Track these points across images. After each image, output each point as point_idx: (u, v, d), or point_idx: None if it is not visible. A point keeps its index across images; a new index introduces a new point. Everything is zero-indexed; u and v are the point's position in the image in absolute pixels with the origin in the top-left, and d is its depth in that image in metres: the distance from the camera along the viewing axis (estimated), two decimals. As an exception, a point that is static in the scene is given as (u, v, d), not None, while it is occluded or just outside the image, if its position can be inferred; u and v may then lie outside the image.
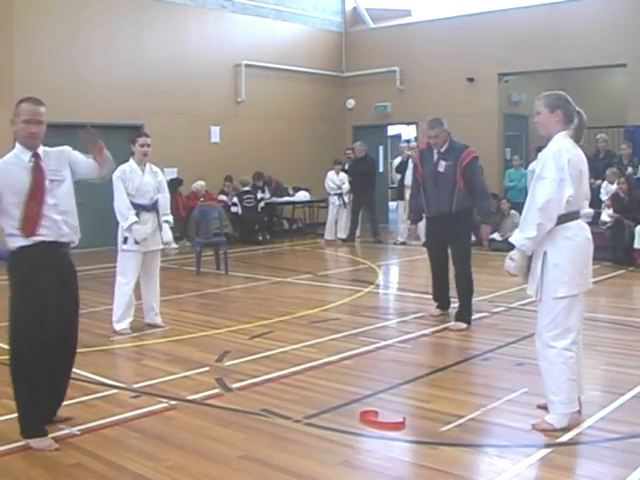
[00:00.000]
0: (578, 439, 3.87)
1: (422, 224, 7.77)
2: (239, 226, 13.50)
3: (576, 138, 4.12)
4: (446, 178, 6.42)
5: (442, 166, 6.45)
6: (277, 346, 5.92)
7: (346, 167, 13.78)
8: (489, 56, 14.57)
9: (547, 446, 3.76)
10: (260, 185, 14.17)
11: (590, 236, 4.10)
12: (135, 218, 6.43)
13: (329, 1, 16.85)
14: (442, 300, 6.92)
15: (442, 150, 6.51)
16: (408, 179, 12.10)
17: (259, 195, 14.01)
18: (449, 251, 6.73)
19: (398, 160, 13.57)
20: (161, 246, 6.72)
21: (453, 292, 6.74)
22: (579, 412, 4.16)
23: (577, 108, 4.15)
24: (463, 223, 6.58)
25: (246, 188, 13.73)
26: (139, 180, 6.50)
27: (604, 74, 15.99)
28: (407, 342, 6.08)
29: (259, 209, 13.83)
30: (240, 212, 13.45)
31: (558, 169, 3.89)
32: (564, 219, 3.94)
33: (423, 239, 7.23)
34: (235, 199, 13.51)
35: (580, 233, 4.02)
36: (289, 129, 15.71)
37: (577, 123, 4.12)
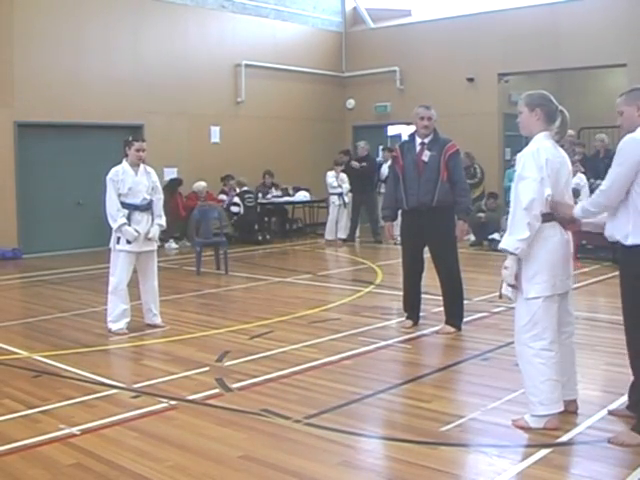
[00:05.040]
0: (578, 439, 3.87)
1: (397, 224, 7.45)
2: (239, 226, 13.49)
3: (558, 137, 4.08)
4: (430, 168, 6.26)
5: (426, 155, 6.30)
6: (277, 346, 5.92)
7: (354, 164, 13.66)
8: (489, 56, 14.56)
9: (547, 446, 3.76)
10: (269, 184, 14.24)
11: (568, 237, 4.05)
12: (124, 220, 6.43)
13: (329, 1, 16.84)
14: (413, 311, 6.60)
15: (426, 140, 6.37)
16: (384, 175, 12.74)
17: (269, 193, 14.06)
18: (425, 256, 6.52)
19: (385, 167, 13.68)
20: (155, 246, 6.71)
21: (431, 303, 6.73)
22: (576, 412, 4.17)
23: (560, 107, 4.10)
24: (443, 219, 6.31)
25: (245, 188, 13.74)
26: (131, 180, 6.50)
27: (604, 74, 15.98)
28: (407, 342, 6.08)
29: (258, 209, 13.86)
30: (242, 212, 13.44)
31: (538, 168, 3.87)
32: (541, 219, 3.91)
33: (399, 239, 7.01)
34: (237, 199, 13.50)
35: (556, 234, 3.97)
36: (289, 129, 15.70)
37: (559, 123, 4.07)
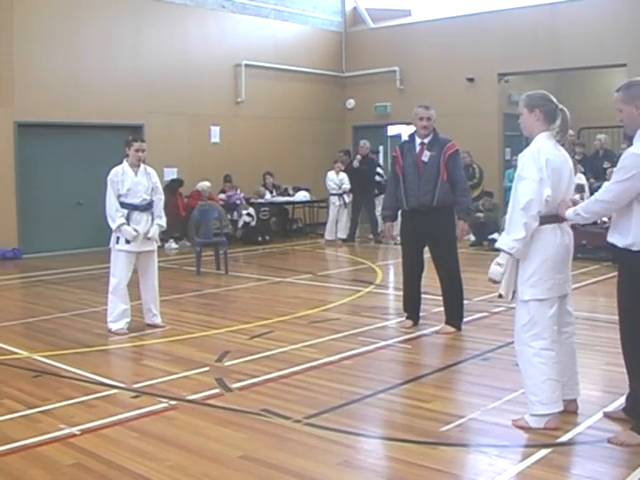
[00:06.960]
0: (578, 439, 3.87)
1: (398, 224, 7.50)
2: (246, 233, 13.46)
3: (559, 136, 4.07)
4: (429, 168, 6.26)
5: (426, 156, 6.30)
6: (277, 346, 5.92)
7: (355, 164, 13.68)
8: (489, 56, 14.56)
9: (547, 446, 3.76)
10: (270, 185, 14.24)
11: (568, 242, 4.03)
12: (122, 220, 6.43)
13: (329, 1, 16.84)
14: (413, 311, 6.60)
15: (426, 141, 6.36)
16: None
17: (267, 195, 14.07)
18: (425, 256, 6.53)
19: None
20: (155, 246, 6.71)
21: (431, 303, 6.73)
22: (576, 412, 4.17)
23: (560, 106, 4.09)
24: (443, 220, 6.32)
25: (262, 200, 13.73)
26: (131, 181, 6.51)
27: (604, 74, 15.98)
28: (407, 342, 6.08)
29: (271, 221, 13.84)
30: (254, 224, 13.42)
31: (537, 169, 3.86)
32: (540, 221, 3.90)
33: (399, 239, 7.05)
34: (251, 210, 13.47)
35: (556, 238, 3.95)
36: (289, 129, 15.70)
37: (560, 121, 4.05)
